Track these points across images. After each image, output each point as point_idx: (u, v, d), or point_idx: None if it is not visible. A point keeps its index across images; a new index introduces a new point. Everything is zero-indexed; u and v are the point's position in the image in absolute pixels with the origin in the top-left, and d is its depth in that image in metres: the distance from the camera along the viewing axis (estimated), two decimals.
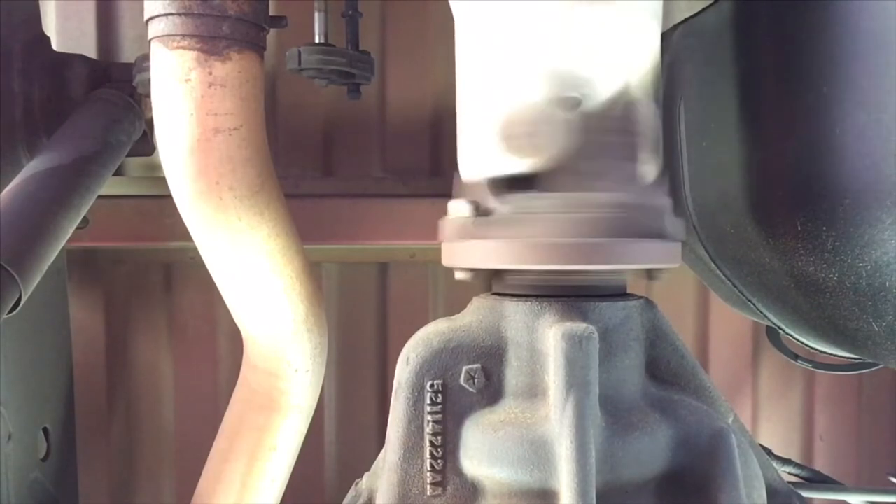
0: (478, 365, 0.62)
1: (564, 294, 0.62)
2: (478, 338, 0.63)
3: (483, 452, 0.60)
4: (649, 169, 0.65)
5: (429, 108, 1.55)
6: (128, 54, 1.50)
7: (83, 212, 1.03)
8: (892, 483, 1.20)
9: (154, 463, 1.59)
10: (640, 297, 0.66)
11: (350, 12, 1.20)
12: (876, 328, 0.70)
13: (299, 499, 1.49)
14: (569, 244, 0.59)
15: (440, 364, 0.62)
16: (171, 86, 0.89)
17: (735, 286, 0.94)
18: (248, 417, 1.13)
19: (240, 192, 0.94)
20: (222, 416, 1.16)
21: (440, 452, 0.61)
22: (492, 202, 0.63)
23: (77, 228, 1.03)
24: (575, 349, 0.57)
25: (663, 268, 0.64)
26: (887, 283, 0.65)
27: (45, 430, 1.26)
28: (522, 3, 0.61)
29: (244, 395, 1.14)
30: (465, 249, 0.64)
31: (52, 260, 0.96)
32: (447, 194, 0.69)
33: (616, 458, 0.58)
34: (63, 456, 1.33)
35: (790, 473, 1.10)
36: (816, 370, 1.29)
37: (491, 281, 0.68)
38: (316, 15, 1.17)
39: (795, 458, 1.22)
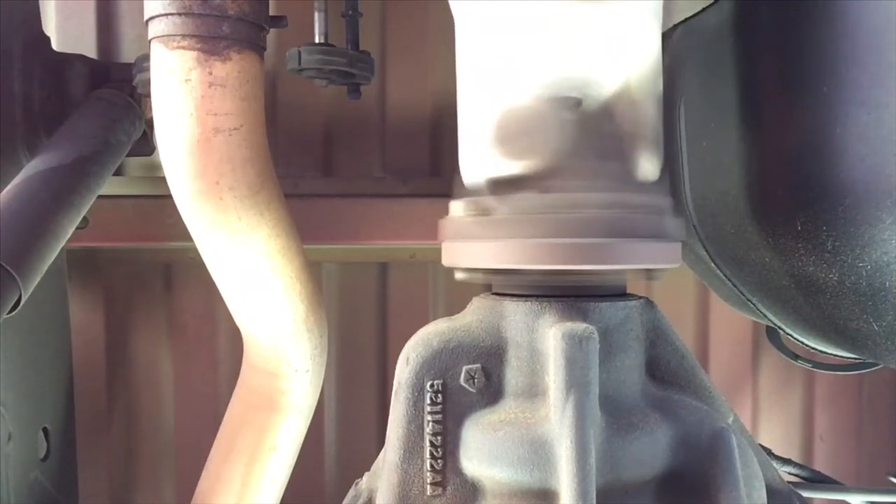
0: (478, 365, 0.62)
1: (564, 294, 0.62)
2: (478, 338, 0.63)
3: (483, 452, 0.60)
4: (649, 169, 0.65)
5: (429, 108, 1.54)
6: (128, 54, 1.50)
7: (83, 212, 1.03)
8: (892, 483, 1.19)
9: (154, 463, 1.59)
10: (640, 297, 0.66)
11: (350, 12, 1.20)
12: (876, 328, 0.70)
13: (299, 499, 1.49)
14: (569, 244, 0.59)
15: (440, 364, 0.62)
16: (171, 86, 0.90)
17: (735, 286, 0.93)
18: (248, 417, 1.13)
19: (240, 192, 0.94)
20: (222, 416, 1.16)
21: (440, 452, 0.61)
22: (492, 202, 0.63)
23: (77, 228, 1.03)
24: (575, 349, 0.57)
25: (663, 268, 0.64)
26: (887, 283, 0.65)
27: (45, 430, 1.26)
28: (522, 4, 0.61)
29: (244, 395, 1.14)
30: (465, 249, 0.64)
31: (52, 260, 0.96)
32: (447, 194, 0.69)
33: (616, 458, 0.58)
34: (63, 456, 1.33)
35: (790, 473, 1.10)
36: (816, 370, 1.29)
37: (491, 281, 0.68)
38: (316, 15, 1.17)
39: (795, 458, 1.22)
